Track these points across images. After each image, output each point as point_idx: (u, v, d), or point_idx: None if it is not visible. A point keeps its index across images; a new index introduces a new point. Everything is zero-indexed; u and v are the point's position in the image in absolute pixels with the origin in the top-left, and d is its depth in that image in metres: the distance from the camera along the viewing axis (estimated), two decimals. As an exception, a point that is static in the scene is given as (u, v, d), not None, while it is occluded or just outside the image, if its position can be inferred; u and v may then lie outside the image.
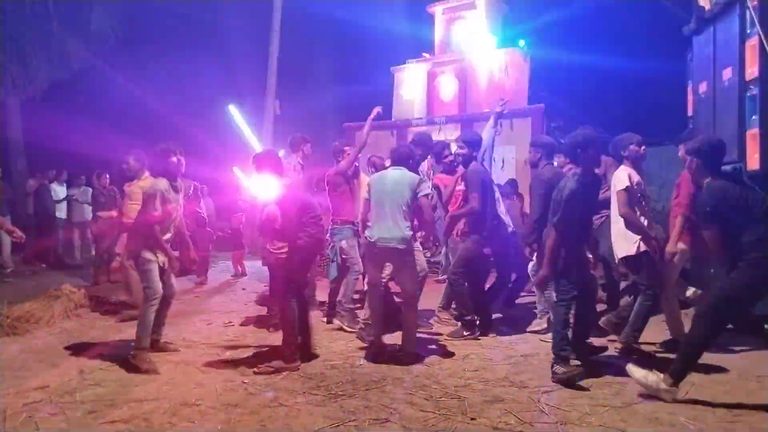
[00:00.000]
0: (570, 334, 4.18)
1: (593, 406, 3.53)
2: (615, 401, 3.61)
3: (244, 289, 8.38)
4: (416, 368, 4.33)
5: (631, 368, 3.77)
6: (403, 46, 14.32)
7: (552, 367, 4.04)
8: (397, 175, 4.71)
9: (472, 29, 12.10)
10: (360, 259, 5.57)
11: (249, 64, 15.10)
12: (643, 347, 4.70)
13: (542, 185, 5.01)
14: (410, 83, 12.56)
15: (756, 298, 3.62)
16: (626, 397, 3.67)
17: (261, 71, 14.15)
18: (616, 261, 4.86)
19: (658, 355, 4.68)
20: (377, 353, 4.58)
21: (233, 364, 4.47)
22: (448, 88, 12.02)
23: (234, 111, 9.95)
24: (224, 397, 3.73)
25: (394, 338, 4.86)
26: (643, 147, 4.76)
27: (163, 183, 4.52)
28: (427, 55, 12.64)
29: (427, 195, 4.79)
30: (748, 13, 5.25)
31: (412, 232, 4.61)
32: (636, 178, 4.58)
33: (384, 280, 4.99)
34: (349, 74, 16.58)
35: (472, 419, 3.32)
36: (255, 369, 4.25)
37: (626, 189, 4.48)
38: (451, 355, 4.72)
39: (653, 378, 3.62)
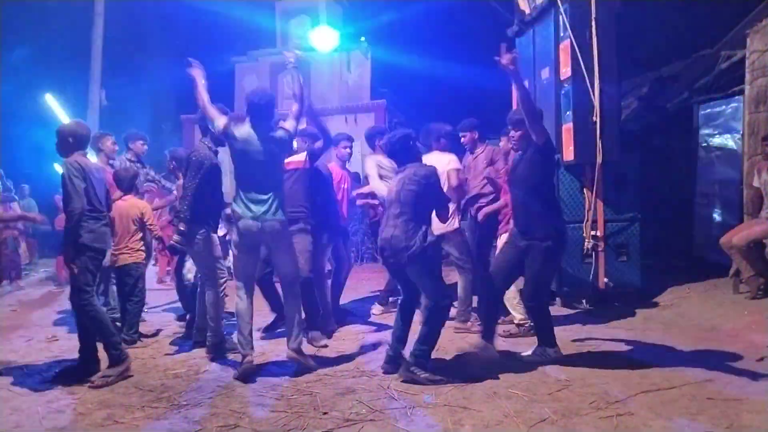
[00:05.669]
0: None
1: (438, 387, 3.67)
2: (457, 380, 3.77)
3: (71, 298, 7.56)
4: (266, 368, 4.21)
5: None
6: (245, 35, 13.79)
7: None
8: None
9: (313, 24, 12.05)
10: None
11: (69, 49, 13.61)
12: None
13: None
14: (253, 76, 12.19)
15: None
16: (467, 375, 3.84)
17: (84, 58, 12.82)
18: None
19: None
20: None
21: (59, 382, 3.99)
22: (292, 82, 11.84)
23: (52, 101, 8.93)
24: (49, 421, 3.33)
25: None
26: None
27: None
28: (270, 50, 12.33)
29: None
30: (561, 18, 5.79)
31: None
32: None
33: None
34: (185, 63, 15.56)
35: (325, 414, 3.30)
36: (88, 384, 3.85)
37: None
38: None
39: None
